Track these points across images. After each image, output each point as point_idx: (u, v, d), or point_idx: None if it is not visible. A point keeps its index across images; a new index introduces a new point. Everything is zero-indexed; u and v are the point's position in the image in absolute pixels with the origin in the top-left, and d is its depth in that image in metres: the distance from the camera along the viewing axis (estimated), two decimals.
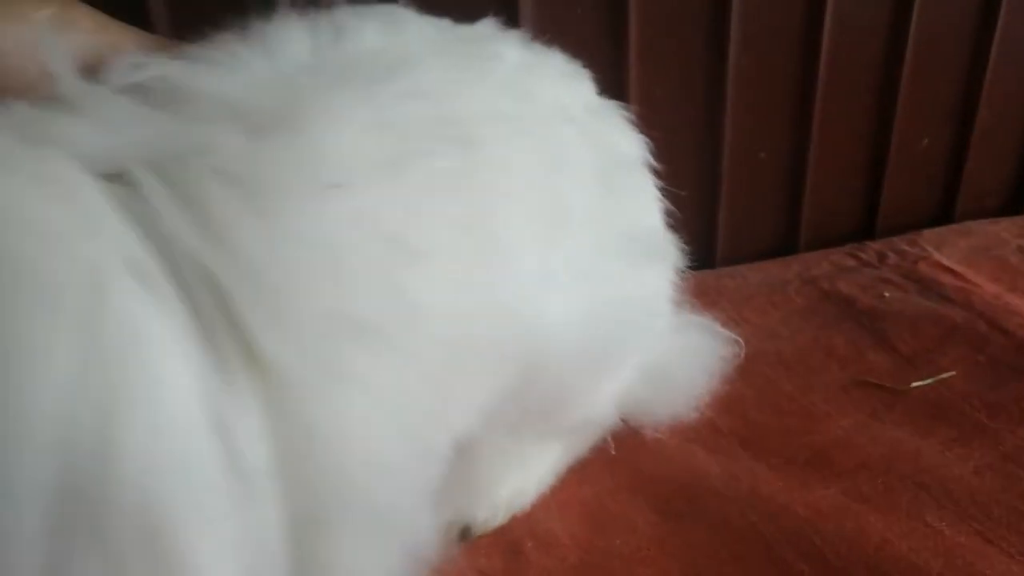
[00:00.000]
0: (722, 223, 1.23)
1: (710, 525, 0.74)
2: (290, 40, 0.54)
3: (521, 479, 0.75)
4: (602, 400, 0.76)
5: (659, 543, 0.72)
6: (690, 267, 0.80)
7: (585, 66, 0.74)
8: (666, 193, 0.78)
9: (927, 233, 1.31)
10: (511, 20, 0.72)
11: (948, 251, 1.24)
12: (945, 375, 0.95)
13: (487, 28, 0.67)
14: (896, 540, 0.71)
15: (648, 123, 0.77)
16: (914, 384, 0.94)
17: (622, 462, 0.83)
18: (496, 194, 0.56)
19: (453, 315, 0.50)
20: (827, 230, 1.32)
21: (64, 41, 0.46)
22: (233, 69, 0.50)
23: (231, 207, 0.41)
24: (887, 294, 1.14)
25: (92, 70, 0.47)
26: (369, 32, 0.58)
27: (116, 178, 0.41)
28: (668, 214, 0.78)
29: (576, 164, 0.65)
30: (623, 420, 0.83)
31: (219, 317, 0.39)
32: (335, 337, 0.43)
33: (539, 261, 0.58)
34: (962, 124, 1.32)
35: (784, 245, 1.30)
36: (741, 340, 0.94)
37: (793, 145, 1.24)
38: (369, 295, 0.45)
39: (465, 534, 0.72)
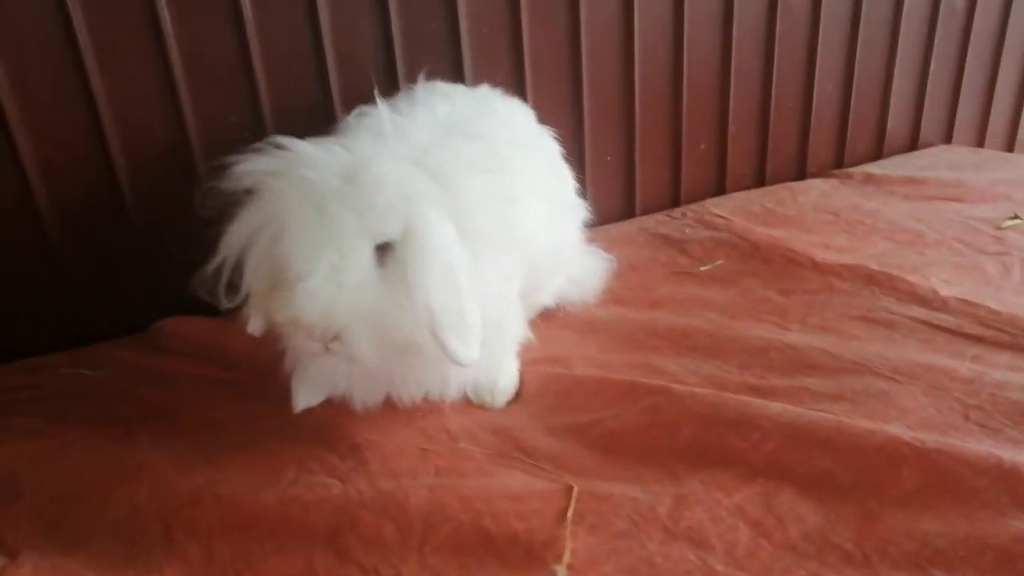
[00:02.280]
0: (591, 197, 2.01)
1: (606, 333, 1.50)
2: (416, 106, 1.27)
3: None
4: (553, 288, 1.51)
5: (581, 342, 1.47)
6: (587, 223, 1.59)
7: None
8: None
9: (708, 201, 2.17)
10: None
11: (720, 208, 2.09)
12: (719, 262, 1.77)
13: (485, 90, 1.43)
14: (683, 321, 1.50)
15: None
16: (701, 268, 1.75)
17: (561, 318, 1.57)
18: (520, 181, 1.29)
19: (520, 234, 1.23)
20: (651, 202, 2.14)
21: None
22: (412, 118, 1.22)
23: (461, 178, 1.12)
24: (687, 231, 1.96)
25: None
26: (438, 102, 1.33)
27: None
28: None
29: (542, 162, 1.41)
30: (557, 303, 1.58)
31: (459, 226, 1.10)
32: (489, 241, 1.14)
33: (535, 213, 1.32)
34: (722, 133, 2.19)
35: (628, 211, 2.12)
36: (613, 258, 1.71)
37: (626, 149, 2.06)
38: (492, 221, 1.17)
39: None
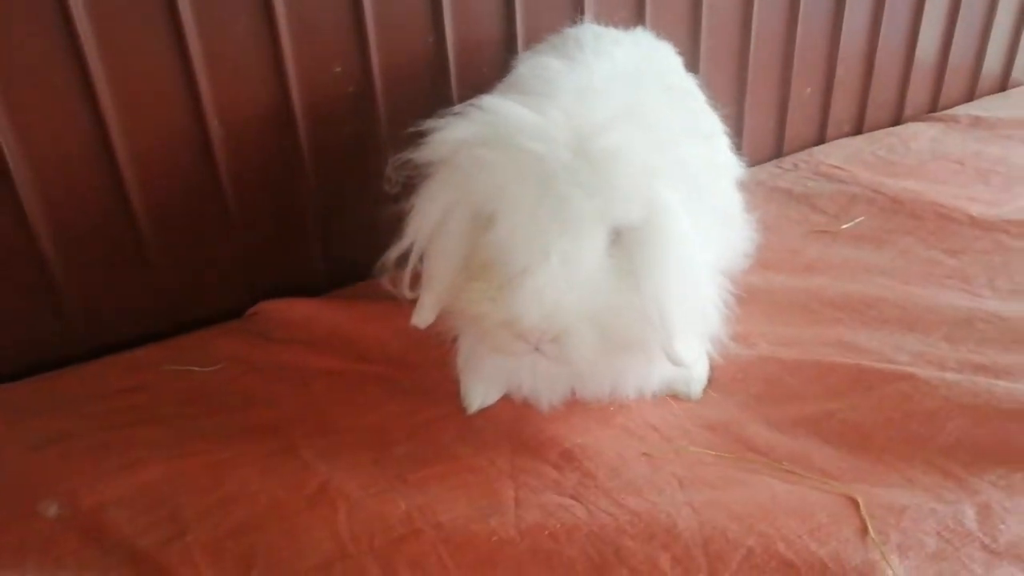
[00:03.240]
0: None
1: (774, 305, 1.35)
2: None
3: None
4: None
5: (750, 315, 1.32)
6: None
7: None
8: None
9: (814, 150, 2.02)
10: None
11: (831, 158, 1.95)
12: (860, 219, 1.63)
13: (642, 33, 1.27)
14: (854, 288, 1.36)
15: None
16: (843, 227, 1.61)
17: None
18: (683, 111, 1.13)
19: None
20: (757, 153, 1.98)
21: None
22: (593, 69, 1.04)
23: (687, 148, 0.95)
24: (809, 184, 1.82)
25: None
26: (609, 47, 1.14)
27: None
28: None
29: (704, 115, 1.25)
30: None
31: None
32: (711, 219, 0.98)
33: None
34: (829, 76, 2.03)
35: None
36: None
37: (737, 97, 1.88)
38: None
39: None
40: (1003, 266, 1.41)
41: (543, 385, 1.07)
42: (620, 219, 0.87)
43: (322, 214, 1.48)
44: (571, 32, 1.30)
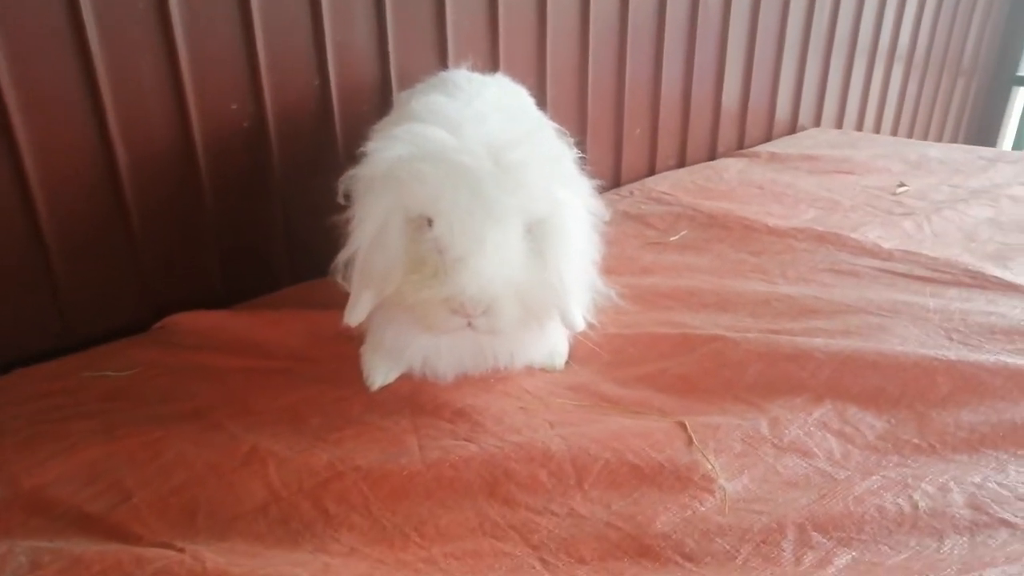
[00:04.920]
0: None
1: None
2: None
3: None
4: None
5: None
6: None
7: None
8: None
9: (645, 180, 2.38)
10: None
11: (659, 186, 2.31)
12: (684, 232, 1.98)
13: (501, 77, 1.53)
14: (681, 283, 1.69)
15: None
16: (671, 239, 1.95)
17: None
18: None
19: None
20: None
21: None
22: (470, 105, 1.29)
23: (567, 161, 1.23)
24: (643, 207, 2.16)
25: None
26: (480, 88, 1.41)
27: None
28: None
29: None
30: None
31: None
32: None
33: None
34: (654, 120, 2.42)
35: None
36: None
37: (579, 134, 2.21)
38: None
39: None
40: (792, 262, 1.78)
41: (441, 362, 1.29)
42: (532, 214, 1.12)
43: (221, 235, 1.64)
44: (445, 75, 1.55)
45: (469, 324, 1.11)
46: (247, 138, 1.63)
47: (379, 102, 1.78)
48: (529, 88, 2.02)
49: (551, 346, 1.41)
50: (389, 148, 1.12)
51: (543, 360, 1.40)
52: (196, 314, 1.55)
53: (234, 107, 1.60)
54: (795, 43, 2.77)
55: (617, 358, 1.41)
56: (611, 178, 2.38)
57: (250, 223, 1.68)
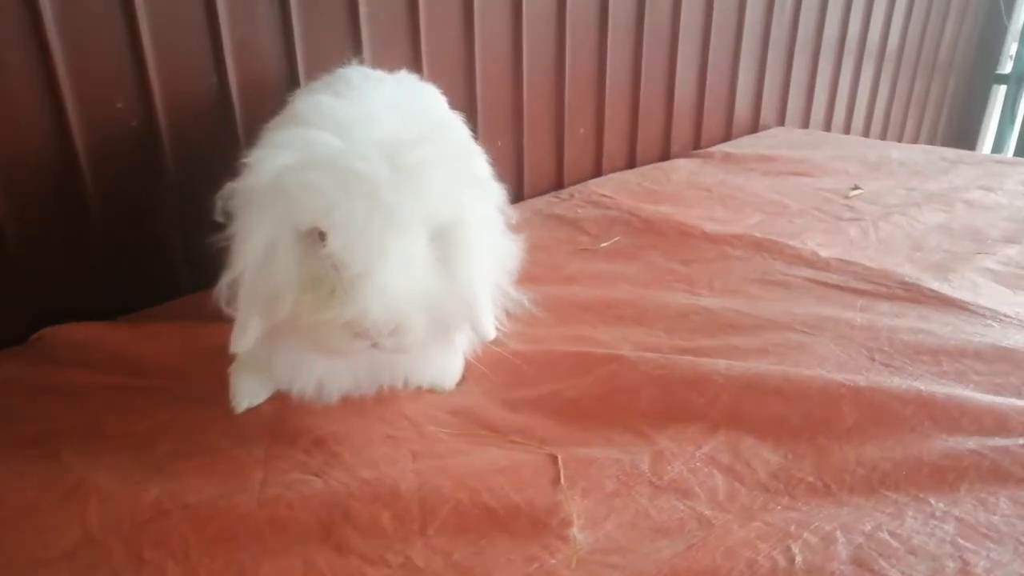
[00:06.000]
0: None
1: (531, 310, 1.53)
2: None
3: None
4: None
5: (508, 320, 1.49)
6: None
7: None
8: None
9: (590, 182, 2.27)
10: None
11: (602, 188, 2.20)
12: (616, 238, 1.86)
13: (405, 75, 1.41)
14: (602, 294, 1.57)
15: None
16: (602, 245, 1.84)
17: None
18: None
19: None
20: (539, 185, 2.21)
21: None
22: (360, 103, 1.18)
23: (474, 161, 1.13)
24: (579, 211, 2.05)
25: None
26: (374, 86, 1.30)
27: None
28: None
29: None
30: None
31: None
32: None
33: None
34: (599, 119, 2.30)
35: (518, 195, 2.17)
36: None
37: (515, 135, 2.10)
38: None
39: None
40: (722, 271, 1.67)
41: (333, 384, 1.16)
42: (436, 219, 1.02)
43: (109, 242, 1.53)
44: (340, 72, 1.45)
45: (374, 345, 1.00)
46: (137, 139, 1.53)
47: (285, 100, 1.67)
48: (456, 84, 1.93)
49: (444, 364, 1.30)
50: (272, 157, 1.01)
51: (433, 379, 1.29)
52: (73, 327, 1.44)
53: (119, 105, 1.50)
54: (754, 37, 2.65)
55: (512, 378, 1.30)
56: (552, 180, 2.26)
57: (143, 230, 1.58)
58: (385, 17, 1.75)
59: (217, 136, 1.61)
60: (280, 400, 1.22)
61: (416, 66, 1.83)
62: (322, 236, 0.99)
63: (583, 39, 2.15)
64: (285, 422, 1.18)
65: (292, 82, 1.67)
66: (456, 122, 1.55)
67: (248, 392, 1.23)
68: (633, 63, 2.30)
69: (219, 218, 1.06)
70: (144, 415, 1.22)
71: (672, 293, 1.59)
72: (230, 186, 1.05)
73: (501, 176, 2.09)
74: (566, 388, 1.24)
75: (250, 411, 1.22)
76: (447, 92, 1.79)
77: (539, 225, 1.98)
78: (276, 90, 1.66)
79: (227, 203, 1.06)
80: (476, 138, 2.00)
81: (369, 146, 1.02)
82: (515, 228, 1.75)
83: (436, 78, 1.85)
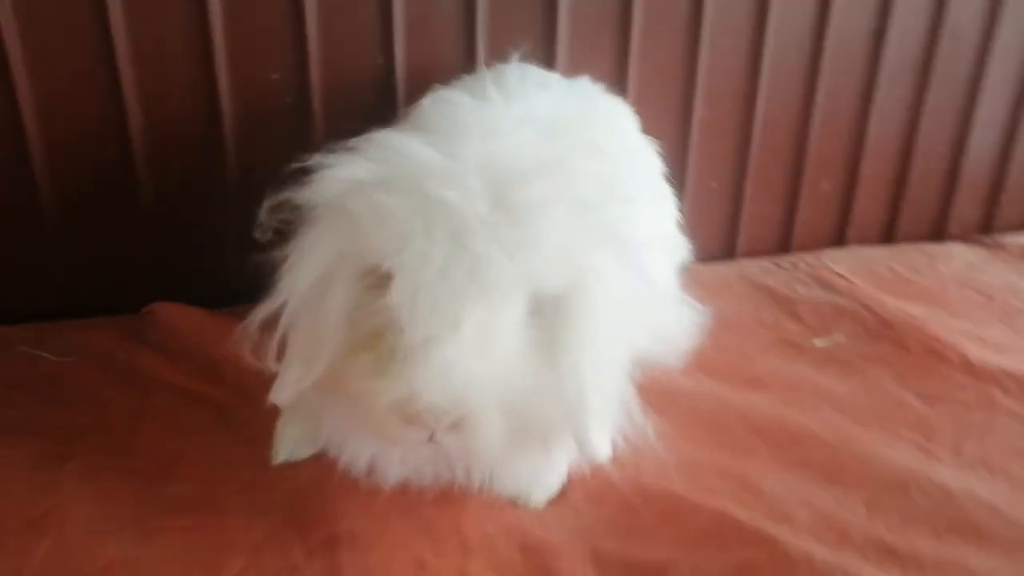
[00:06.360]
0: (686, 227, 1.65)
1: (692, 414, 1.15)
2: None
3: None
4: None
5: (656, 420, 1.11)
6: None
7: None
8: None
9: (824, 253, 1.78)
10: None
11: (839, 264, 1.71)
12: (838, 336, 1.40)
13: (586, 83, 1.10)
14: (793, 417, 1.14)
15: None
16: (816, 342, 1.39)
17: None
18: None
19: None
20: (756, 244, 1.78)
21: None
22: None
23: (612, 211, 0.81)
24: (799, 288, 1.59)
25: None
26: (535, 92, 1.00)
27: None
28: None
29: (645, 183, 1.14)
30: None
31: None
32: None
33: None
34: (852, 172, 1.80)
35: (727, 251, 1.76)
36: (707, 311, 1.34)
37: (736, 176, 1.69)
38: None
39: None
40: (980, 428, 1.15)
41: (391, 466, 0.89)
42: (542, 284, 0.75)
43: (245, 221, 1.40)
44: (500, 68, 1.17)
45: (431, 438, 0.73)
46: (289, 114, 1.38)
47: None
48: (668, 107, 1.58)
49: (537, 473, 0.97)
50: (343, 166, 0.78)
51: (518, 489, 0.97)
52: (178, 308, 1.34)
53: (275, 76, 1.35)
54: None
55: (619, 518, 0.94)
56: (775, 241, 1.81)
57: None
58: (591, 12, 1.44)
59: (374, 120, 1.40)
60: (324, 463, 0.97)
61: (619, 75, 1.49)
62: (388, 279, 0.73)
63: (843, 70, 1.67)
64: (310, 498, 0.93)
65: (467, 72, 1.42)
66: (643, 149, 1.21)
67: (291, 443, 1.01)
68: (910, 107, 1.77)
69: (262, 235, 0.83)
70: (183, 433, 1.07)
71: (895, 444, 1.11)
72: (284, 197, 0.81)
73: (710, 226, 1.74)
74: (685, 565, 0.86)
75: (288, 465, 1.00)
76: (654, 113, 1.44)
77: (740, 296, 1.56)
78: (447, 79, 1.43)
79: (278, 220, 0.82)
80: (684, 175, 1.66)
81: (470, 169, 0.74)
82: (703, 294, 1.39)
83: (642, 93, 1.54)
